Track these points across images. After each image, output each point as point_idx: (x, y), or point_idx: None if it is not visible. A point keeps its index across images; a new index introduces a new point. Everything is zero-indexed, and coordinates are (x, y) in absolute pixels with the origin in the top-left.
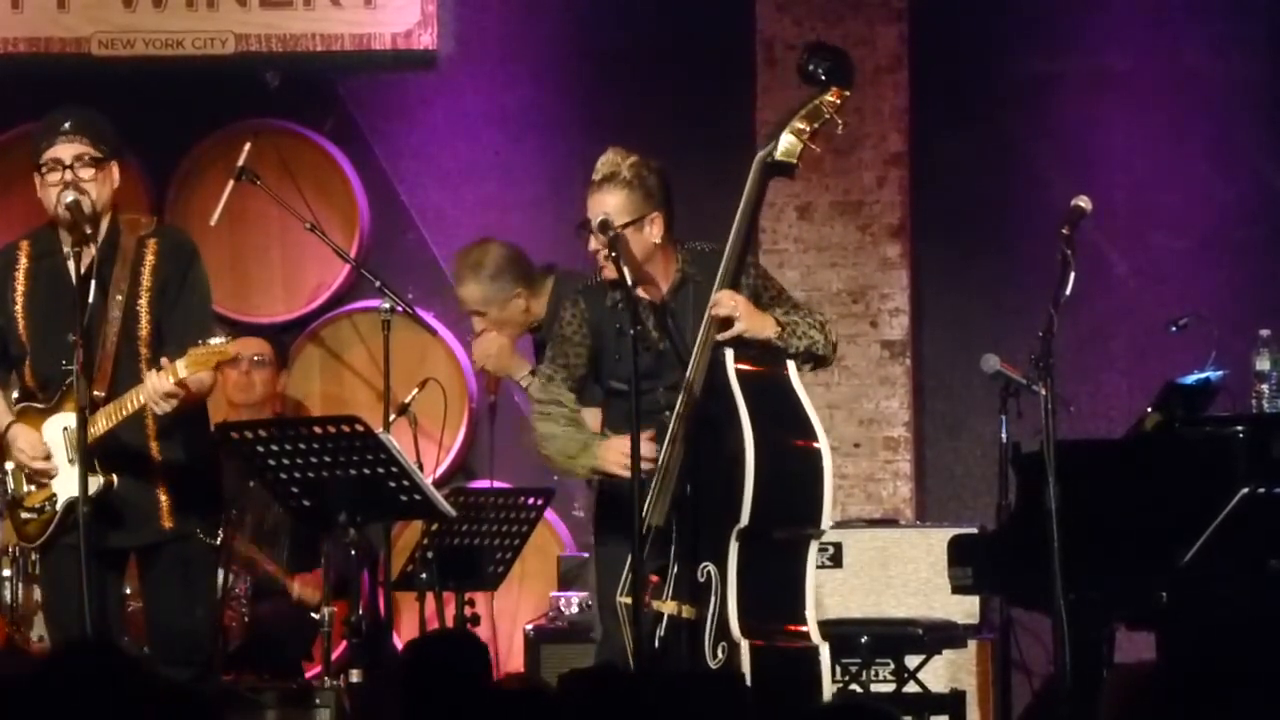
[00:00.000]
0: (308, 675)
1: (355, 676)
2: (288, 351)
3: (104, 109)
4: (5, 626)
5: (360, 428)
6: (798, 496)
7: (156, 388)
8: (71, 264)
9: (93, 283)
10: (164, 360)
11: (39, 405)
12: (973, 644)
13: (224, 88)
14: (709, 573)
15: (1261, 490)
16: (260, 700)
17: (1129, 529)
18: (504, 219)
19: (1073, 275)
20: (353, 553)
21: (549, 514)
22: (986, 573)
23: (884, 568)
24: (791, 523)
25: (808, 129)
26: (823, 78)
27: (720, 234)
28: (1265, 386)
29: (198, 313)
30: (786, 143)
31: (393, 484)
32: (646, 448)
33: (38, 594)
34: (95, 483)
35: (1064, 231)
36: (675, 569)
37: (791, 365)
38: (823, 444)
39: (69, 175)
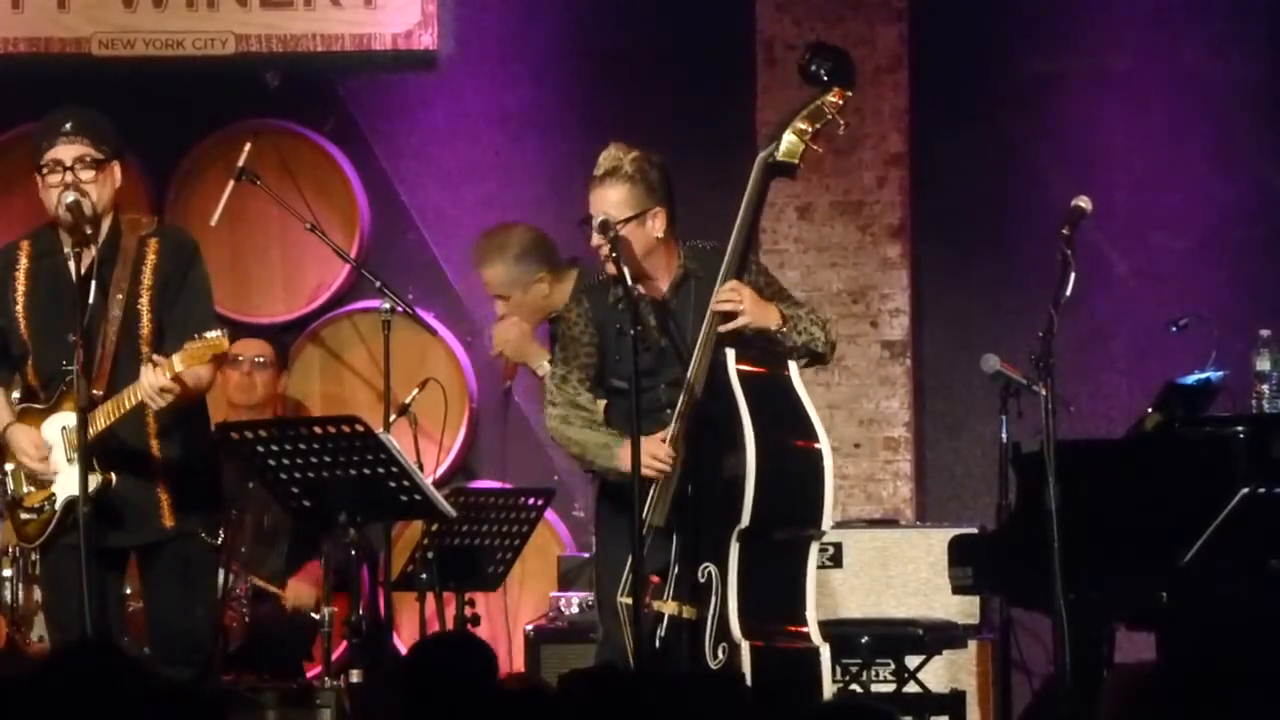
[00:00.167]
0: (308, 675)
1: (355, 676)
2: (288, 352)
3: (104, 109)
4: (5, 627)
5: (360, 428)
6: (798, 497)
7: (152, 383)
8: (72, 264)
9: (93, 283)
10: (156, 357)
11: (39, 405)
12: (973, 644)
13: (224, 88)
14: (710, 573)
15: (1261, 490)
16: (260, 700)
17: (1129, 529)
18: (504, 219)
19: (1073, 275)
20: (353, 552)
21: (549, 514)
22: (986, 573)
23: (884, 568)
24: (792, 523)
25: (810, 129)
26: (825, 78)
27: (721, 234)
28: (1265, 387)
29: (198, 311)
30: (788, 143)
31: (393, 484)
32: (664, 450)
33: (38, 594)
34: (94, 481)
35: (1064, 231)
36: (676, 569)
37: (793, 366)
38: (824, 445)
39: (69, 177)
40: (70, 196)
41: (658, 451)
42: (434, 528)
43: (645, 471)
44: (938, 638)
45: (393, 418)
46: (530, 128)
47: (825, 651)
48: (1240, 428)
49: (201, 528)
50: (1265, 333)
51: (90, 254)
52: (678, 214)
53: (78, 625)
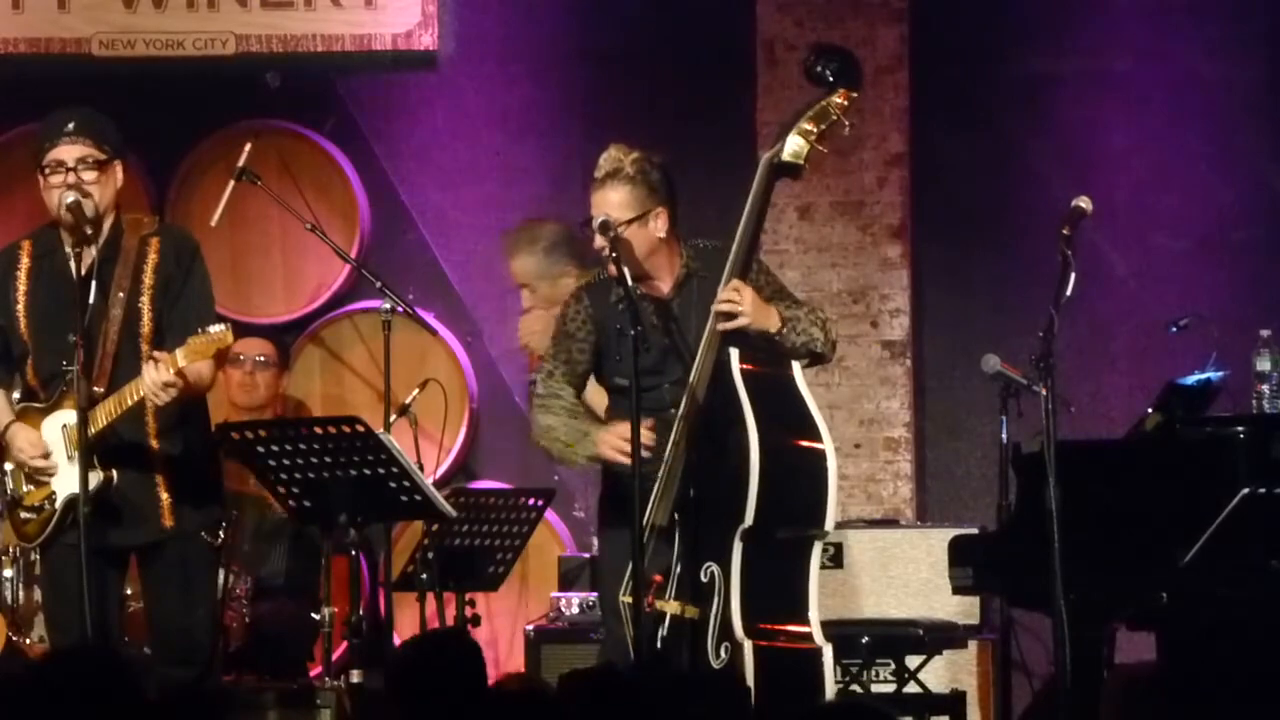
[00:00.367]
0: (308, 675)
1: (355, 676)
2: (289, 352)
3: (104, 109)
4: (5, 627)
5: (361, 428)
6: (802, 497)
7: (155, 378)
8: (72, 263)
9: (93, 282)
10: (158, 353)
11: (38, 405)
12: (973, 644)
13: (224, 88)
14: (712, 573)
15: (1262, 491)
16: (260, 700)
17: (1129, 529)
18: (504, 219)
19: (1073, 275)
20: (353, 552)
21: (549, 514)
22: (987, 573)
23: (884, 568)
24: (795, 523)
25: (815, 130)
26: (830, 79)
27: (722, 234)
28: (1266, 387)
29: (199, 309)
30: (794, 144)
31: (393, 484)
32: (645, 436)
33: (38, 594)
34: (95, 478)
35: (1064, 232)
36: (678, 569)
37: (796, 366)
38: (827, 445)
39: (72, 178)
40: (70, 196)
41: (624, 433)
42: (434, 528)
43: (612, 455)
44: (938, 638)
45: (393, 418)
46: (530, 128)
47: (828, 652)
48: (1240, 428)
49: (202, 528)
50: (1265, 333)
51: (91, 253)
52: (679, 214)
53: (78, 626)
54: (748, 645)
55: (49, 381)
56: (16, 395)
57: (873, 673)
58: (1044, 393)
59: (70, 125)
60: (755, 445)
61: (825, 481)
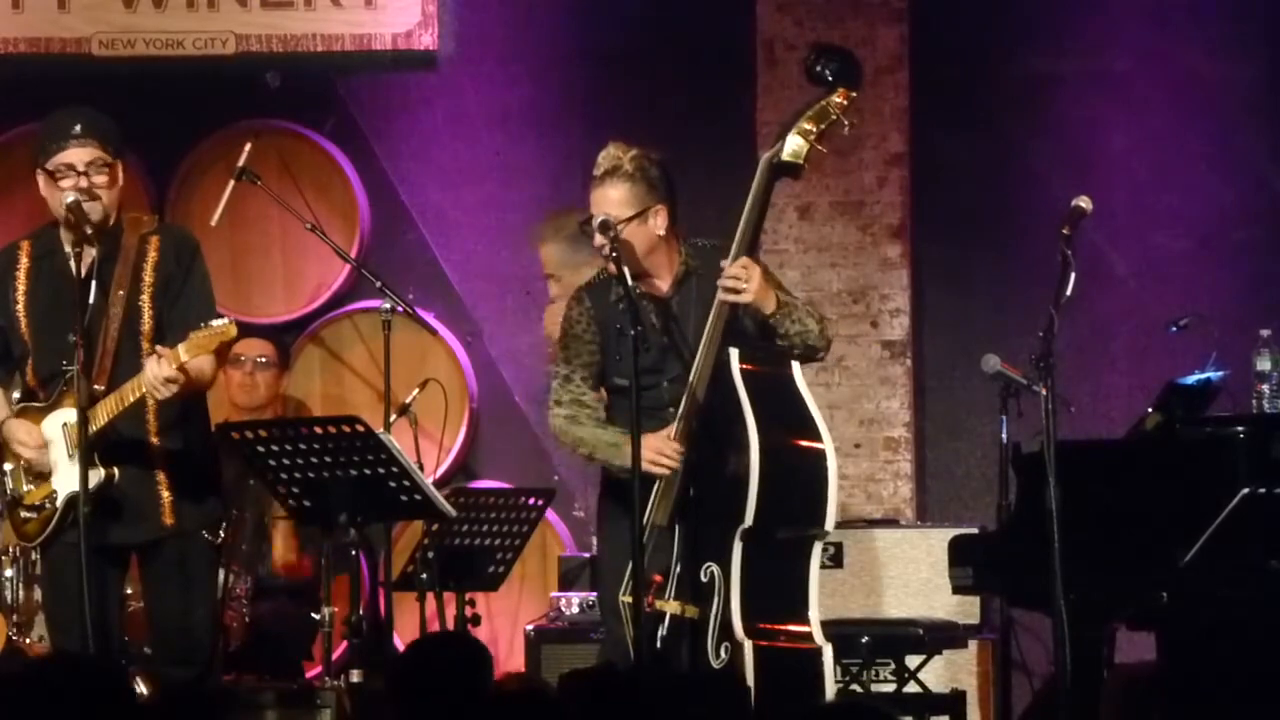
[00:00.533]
0: (308, 675)
1: (355, 676)
2: (289, 352)
3: (104, 109)
4: (5, 627)
5: (361, 428)
6: (802, 497)
7: (156, 373)
8: (72, 263)
9: (93, 282)
10: (160, 348)
11: (38, 404)
12: (973, 644)
13: (224, 88)
14: (712, 573)
15: (1262, 490)
16: (260, 700)
17: (1129, 529)
18: (504, 219)
19: (1073, 275)
20: (353, 552)
21: (549, 514)
22: (987, 573)
23: (884, 568)
24: (795, 523)
25: (815, 130)
26: (830, 79)
27: (722, 234)
28: (1266, 387)
29: (200, 307)
30: (793, 144)
31: (393, 484)
32: (671, 446)
33: (38, 594)
34: (96, 475)
35: (1064, 231)
36: (678, 568)
37: (796, 366)
38: (827, 445)
39: (84, 181)
40: (70, 197)
41: (663, 448)
42: (434, 528)
43: (651, 468)
44: (938, 638)
45: (393, 418)
46: (530, 128)
47: (828, 652)
48: (1240, 428)
49: (202, 526)
50: (1265, 333)
51: (91, 253)
52: (678, 213)
53: (78, 626)
54: (748, 645)
55: (48, 381)
56: (16, 395)
57: (873, 672)
58: (1044, 392)
59: (77, 127)
60: (755, 445)
61: (825, 481)
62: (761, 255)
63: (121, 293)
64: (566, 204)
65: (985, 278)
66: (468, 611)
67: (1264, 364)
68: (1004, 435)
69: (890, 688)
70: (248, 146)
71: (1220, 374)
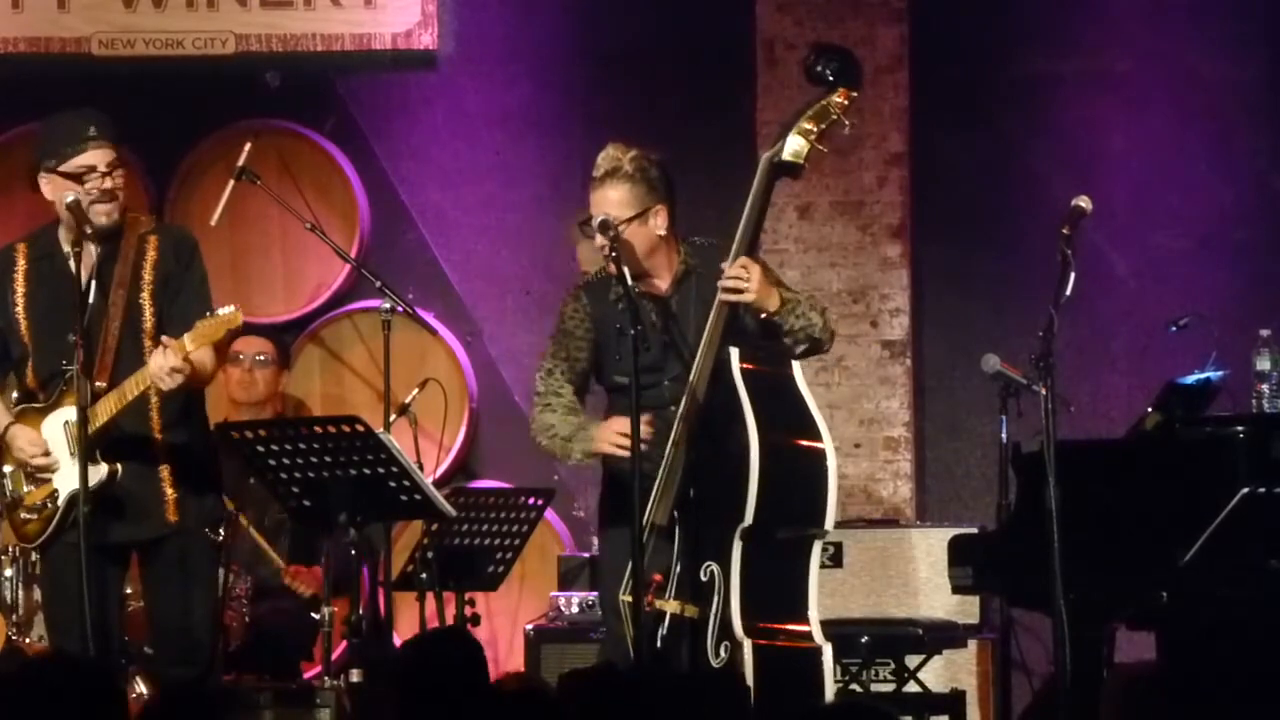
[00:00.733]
0: (307, 675)
1: (355, 676)
2: (288, 351)
3: (104, 109)
4: (5, 627)
5: (361, 428)
6: (802, 497)
7: (162, 364)
8: (72, 263)
9: (94, 281)
10: (166, 338)
11: (37, 405)
12: (973, 644)
13: (224, 88)
14: (712, 572)
15: (1262, 490)
16: (260, 700)
17: (1129, 529)
18: (504, 219)
19: (1073, 275)
20: (353, 552)
21: (549, 514)
22: (986, 573)
23: (884, 568)
24: (795, 523)
25: (815, 129)
26: (830, 78)
27: (721, 234)
28: (1265, 386)
29: (199, 305)
30: (794, 143)
31: (393, 484)
32: (644, 430)
33: (38, 594)
34: (99, 472)
35: (1064, 231)
36: (678, 568)
37: (796, 366)
38: (827, 445)
39: (108, 183)
40: (70, 196)
41: (623, 427)
42: (434, 527)
43: (610, 449)
44: (938, 637)
45: (393, 417)
46: (530, 128)
47: (828, 651)
48: (1240, 427)
49: (204, 524)
50: (1265, 332)
51: (92, 253)
52: (678, 213)
53: (78, 626)
54: (748, 644)
55: (48, 381)
56: (15, 396)
57: (872, 672)
58: (1044, 392)
59: (92, 129)
60: (755, 445)
61: (825, 481)
62: (761, 255)
63: (122, 291)
64: (554, 208)
65: (985, 278)
66: (467, 611)
67: (1264, 364)
68: (1004, 435)
69: (890, 687)
70: (247, 146)
71: (1220, 374)
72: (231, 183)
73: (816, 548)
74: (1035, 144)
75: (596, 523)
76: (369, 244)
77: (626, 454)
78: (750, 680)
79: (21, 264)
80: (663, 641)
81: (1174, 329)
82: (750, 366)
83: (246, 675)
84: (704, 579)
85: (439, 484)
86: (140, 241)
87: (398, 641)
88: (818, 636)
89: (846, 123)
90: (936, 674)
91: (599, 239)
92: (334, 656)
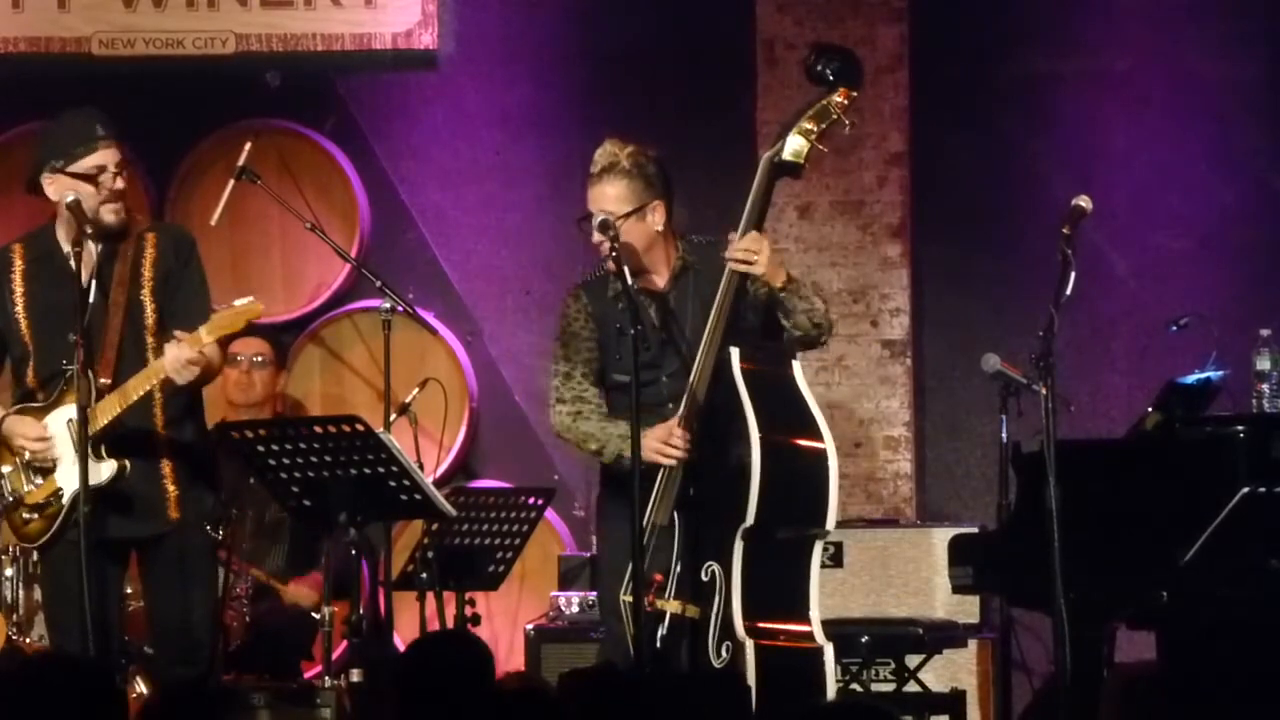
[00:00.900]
0: (308, 675)
1: (355, 676)
2: (288, 351)
3: (104, 109)
4: (5, 627)
5: (361, 427)
6: (803, 496)
7: (177, 356)
8: (72, 262)
9: (94, 280)
10: (179, 332)
11: (36, 404)
12: (973, 644)
13: (224, 87)
14: (713, 572)
15: (1262, 490)
16: (260, 700)
17: (1129, 529)
18: (504, 218)
19: (1073, 275)
20: (353, 552)
21: (549, 513)
22: (987, 572)
23: (884, 567)
24: (796, 522)
25: (815, 129)
26: (831, 78)
27: (721, 234)
28: (1266, 386)
29: (200, 302)
30: (794, 143)
31: (393, 484)
32: (678, 435)
33: (38, 594)
34: (109, 468)
35: (1064, 231)
36: (679, 568)
37: (797, 366)
38: (828, 444)
39: (120, 183)
40: (70, 196)
41: (668, 437)
42: (434, 527)
43: (658, 459)
44: (938, 637)
45: (393, 417)
46: (530, 127)
47: (829, 651)
48: (1240, 427)
49: (204, 521)
50: (1265, 332)
51: (93, 252)
52: (678, 212)
53: (78, 625)
54: (748, 644)
55: (49, 381)
56: (14, 397)
57: (873, 672)
58: (1044, 392)
59: (100, 129)
60: (756, 444)
61: (826, 481)
62: None
63: (122, 290)
64: (554, 208)
65: (985, 277)
66: (468, 611)
67: (1264, 363)
68: (1004, 435)
69: (890, 687)
70: (248, 146)
71: (1220, 373)
72: (232, 182)
73: (817, 547)
74: (1035, 144)
75: (596, 522)
76: (369, 244)
77: (673, 462)
78: (751, 680)
79: (19, 264)
80: (663, 641)
81: (1174, 329)
82: (751, 366)
83: (246, 675)
84: (705, 579)
85: (439, 484)
86: (139, 240)
87: (398, 641)
88: (819, 636)
89: (847, 122)
90: (937, 674)
91: (597, 237)
92: (334, 656)
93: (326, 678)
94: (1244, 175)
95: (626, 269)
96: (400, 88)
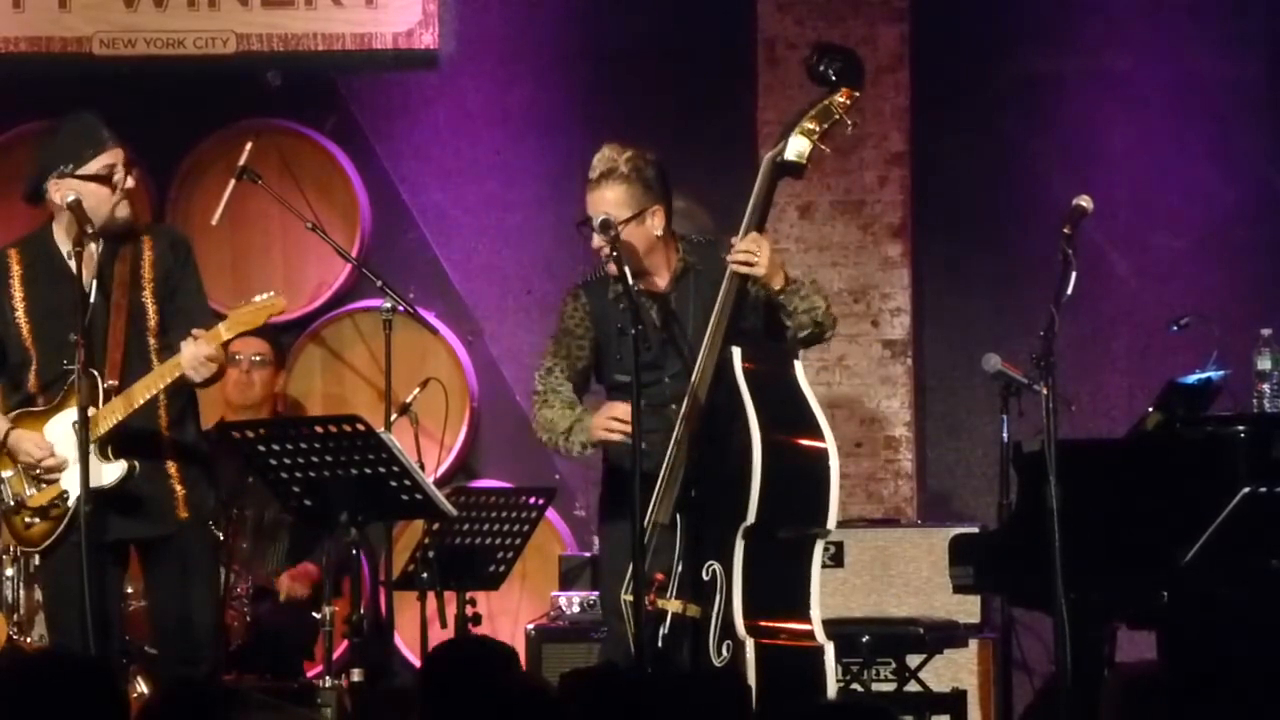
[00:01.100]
0: (309, 675)
1: (356, 676)
2: (288, 351)
3: (105, 109)
4: (5, 627)
5: (361, 427)
6: (804, 496)
7: (196, 353)
8: (72, 263)
9: (95, 282)
10: (196, 330)
11: (37, 409)
12: (974, 643)
13: (225, 87)
14: (714, 571)
15: (1262, 490)
16: (261, 700)
17: (1130, 529)
18: (505, 218)
19: (1074, 275)
20: (354, 552)
21: (550, 513)
22: (987, 572)
23: (885, 567)
24: (797, 522)
25: (817, 129)
26: (833, 78)
27: (721, 234)
28: (1266, 386)
29: (200, 302)
30: (796, 143)
31: (394, 483)
32: (620, 409)
33: (39, 594)
34: (118, 469)
35: (1065, 231)
36: (680, 567)
37: (798, 365)
38: (829, 444)
39: (130, 181)
40: (70, 196)
41: (617, 412)
42: (435, 527)
43: (604, 435)
44: (939, 637)
45: (394, 417)
46: (531, 127)
47: (829, 650)
48: (1241, 427)
49: (208, 520)
50: (1266, 332)
51: (94, 253)
52: (699, 214)
53: (80, 626)
54: (749, 644)
55: (51, 385)
56: (14, 401)
57: (873, 671)
58: (1045, 392)
59: (105, 131)
60: (757, 444)
61: (827, 480)
62: None
63: (124, 291)
64: (555, 208)
65: (985, 277)
66: (468, 611)
67: (1264, 363)
68: (1005, 434)
69: (891, 687)
70: (248, 146)
71: (1221, 373)
72: (233, 182)
73: (818, 547)
74: (1035, 144)
75: (597, 522)
76: (370, 243)
77: (622, 439)
78: (752, 679)
79: (17, 269)
80: (664, 641)
81: (1175, 329)
82: (752, 366)
83: (247, 675)
84: (706, 578)
85: (440, 483)
86: (136, 242)
87: (399, 641)
88: (819, 636)
89: (849, 122)
90: (937, 673)
91: (597, 239)
92: (335, 656)
93: (327, 677)
94: (1244, 175)
95: (627, 270)
96: (401, 87)
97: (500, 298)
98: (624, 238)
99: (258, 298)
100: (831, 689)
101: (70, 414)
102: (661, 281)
